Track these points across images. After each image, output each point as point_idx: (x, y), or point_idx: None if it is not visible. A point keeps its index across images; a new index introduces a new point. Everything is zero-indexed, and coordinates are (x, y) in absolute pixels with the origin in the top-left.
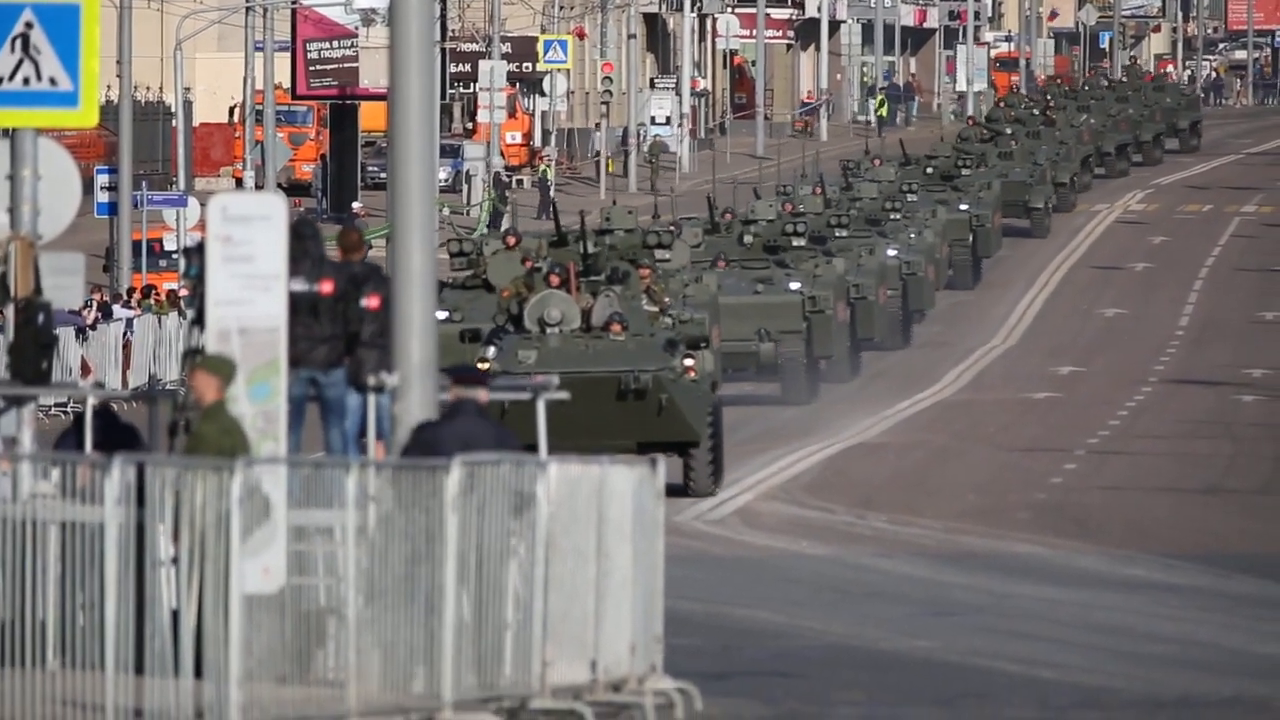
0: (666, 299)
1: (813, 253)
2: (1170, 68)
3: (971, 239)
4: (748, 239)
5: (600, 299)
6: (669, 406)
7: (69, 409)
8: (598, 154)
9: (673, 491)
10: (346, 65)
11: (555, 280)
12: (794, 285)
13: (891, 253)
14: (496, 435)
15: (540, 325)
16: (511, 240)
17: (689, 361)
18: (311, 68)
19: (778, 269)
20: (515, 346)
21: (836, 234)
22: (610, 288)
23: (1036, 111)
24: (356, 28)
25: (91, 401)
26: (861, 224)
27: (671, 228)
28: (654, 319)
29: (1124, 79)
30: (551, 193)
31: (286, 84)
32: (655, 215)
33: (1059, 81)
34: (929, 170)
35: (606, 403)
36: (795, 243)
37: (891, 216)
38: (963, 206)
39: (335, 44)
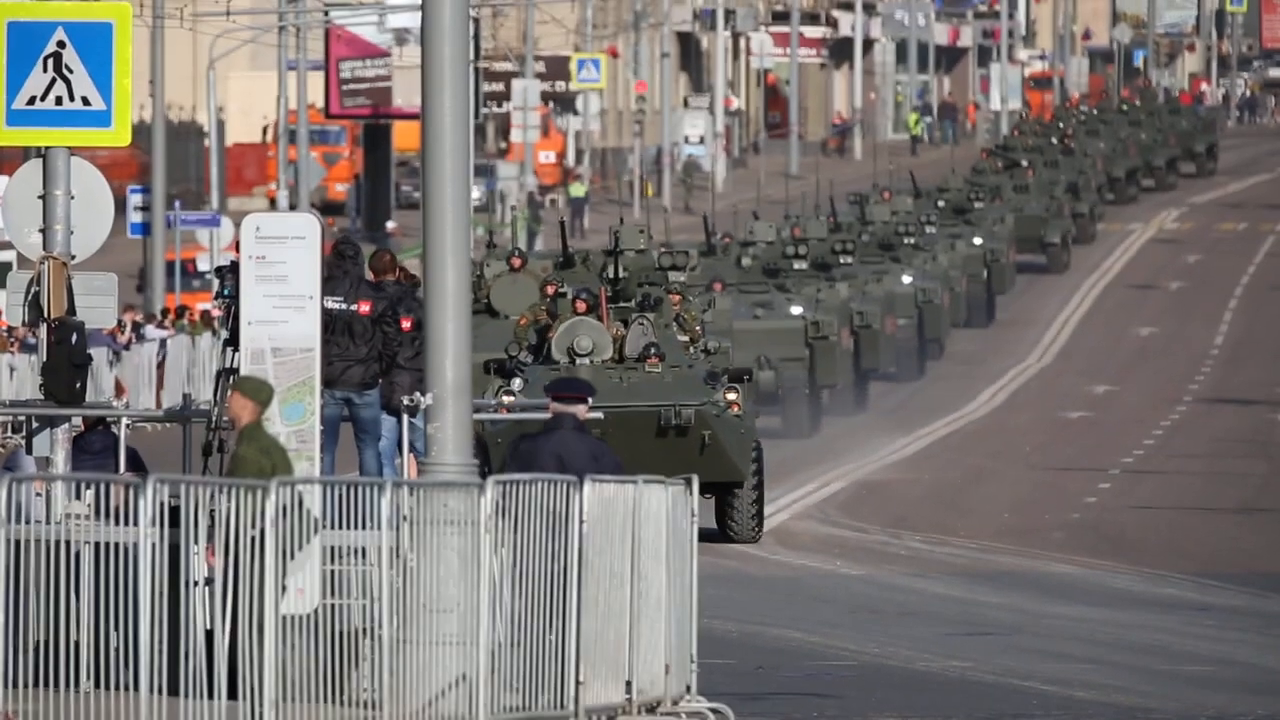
0: (698, 327)
1: (815, 277)
2: (1204, 86)
3: (986, 274)
4: (746, 261)
5: (634, 327)
6: (712, 444)
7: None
8: (633, 174)
9: (711, 536)
10: (380, 85)
11: (583, 306)
12: (796, 310)
13: (906, 280)
14: (592, 451)
15: (570, 355)
16: (517, 262)
17: (731, 396)
18: (345, 87)
19: (778, 293)
20: (543, 378)
21: (841, 260)
22: (643, 315)
23: (1055, 140)
24: (390, 47)
25: (133, 425)
26: (874, 249)
27: (665, 248)
28: (684, 349)
29: (1137, 102)
30: (586, 211)
31: (320, 103)
32: (648, 235)
33: (1068, 105)
34: (940, 204)
35: (645, 440)
36: (796, 266)
37: (906, 241)
38: (976, 240)
39: (368, 63)
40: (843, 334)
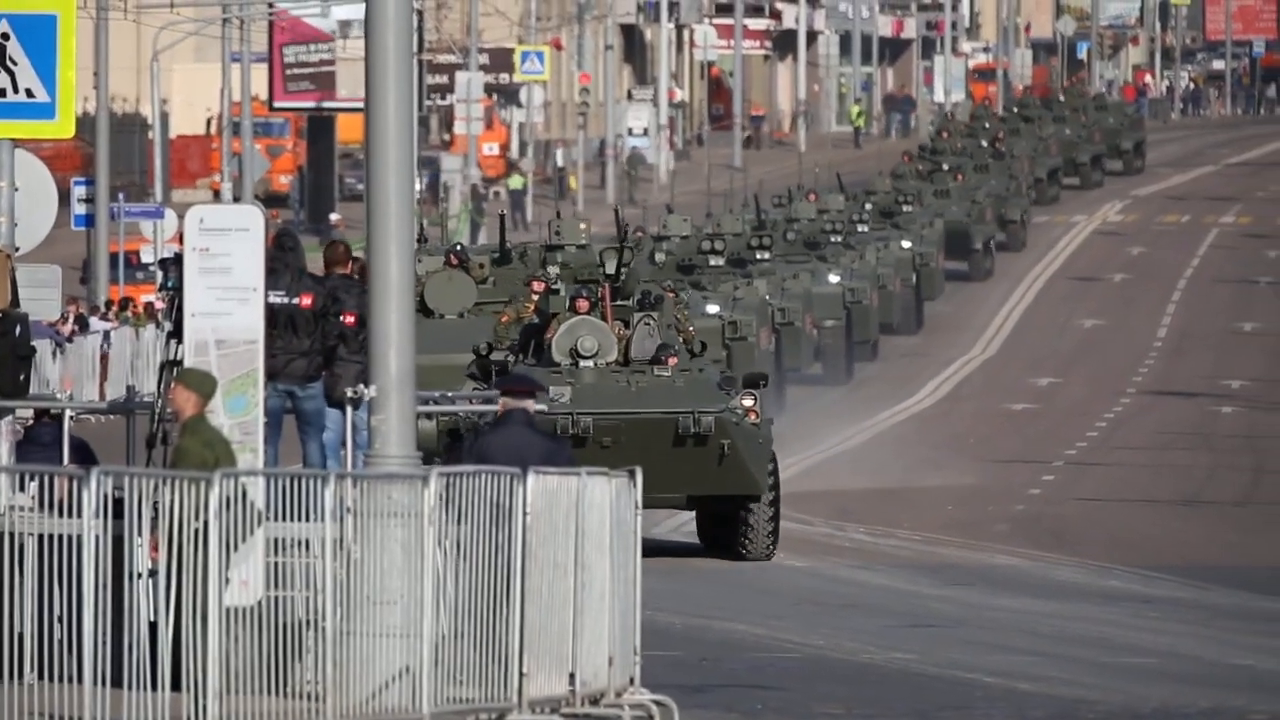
0: (691, 328)
1: (731, 274)
2: (1148, 78)
3: (915, 279)
4: (659, 257)
5: (639, 328)
6: (731, 455)
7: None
8: (562, 169)
9: (691, 550)
10: (323, 69)
11: (585, 305)
12: (712, 309)
13: (834, 279)
14: (545, 446)
15: (573, 357)
16: (454, 259)
17: (748, 402)
18: (288, 72)
19: (693, 291)
20: (544, 383)
21: (758, 256)
22: (648, 315)
23: (985, 143)
24: (333, 33)
25: (77, 417)
26: (800, 248)
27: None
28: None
29: (1061, 98)
30: (526, 204)
31: (264, 96)
32: (551, 226)
33: (988, 103)
34: (867, 206)
35: (659, 450)
36: (713, 262)
37: (833, 240)
38: (905, 244)
39: (312, 48)
40: (762, 334)
